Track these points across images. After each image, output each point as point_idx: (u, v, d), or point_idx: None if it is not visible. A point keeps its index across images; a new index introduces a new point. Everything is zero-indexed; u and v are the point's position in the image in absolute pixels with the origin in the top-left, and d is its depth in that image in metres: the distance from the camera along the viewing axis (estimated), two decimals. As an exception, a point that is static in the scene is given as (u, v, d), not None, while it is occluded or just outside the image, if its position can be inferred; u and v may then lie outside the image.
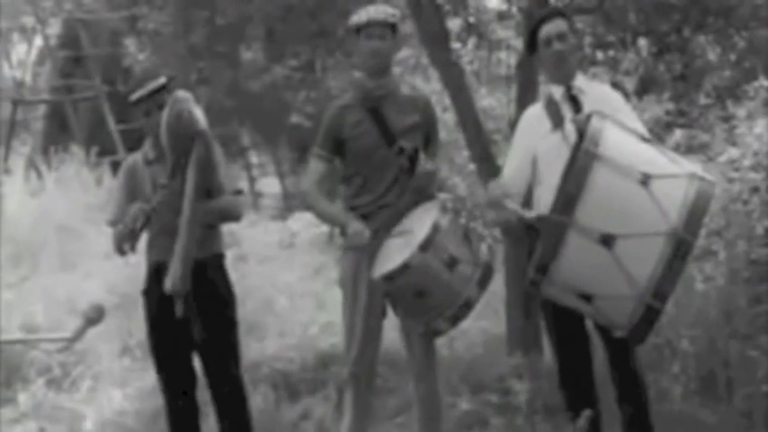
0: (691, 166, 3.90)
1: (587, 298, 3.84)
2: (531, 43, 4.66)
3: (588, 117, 3.96)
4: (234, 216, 4.92)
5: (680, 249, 3.67)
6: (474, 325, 7.19)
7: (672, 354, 6.12)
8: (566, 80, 4.60)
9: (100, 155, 14.58)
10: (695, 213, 3.71)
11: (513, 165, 4.64)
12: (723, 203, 6.79)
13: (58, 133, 17.59)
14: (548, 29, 4.58)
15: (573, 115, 4.48)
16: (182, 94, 4.62)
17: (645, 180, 3.72)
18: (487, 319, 7.41)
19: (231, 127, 14.29)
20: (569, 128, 4.41)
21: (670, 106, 9.33)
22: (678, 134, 8.73)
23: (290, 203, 14.67)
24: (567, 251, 3.70)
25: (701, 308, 6.33)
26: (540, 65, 4.77)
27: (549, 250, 3.72)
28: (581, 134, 4.03)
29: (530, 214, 4.15)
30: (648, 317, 3.76)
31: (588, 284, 3.81)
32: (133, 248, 4.70)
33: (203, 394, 4.96)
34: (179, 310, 4.57)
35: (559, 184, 4.12)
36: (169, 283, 4.53)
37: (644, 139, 3.99)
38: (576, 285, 3.82)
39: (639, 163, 3.76)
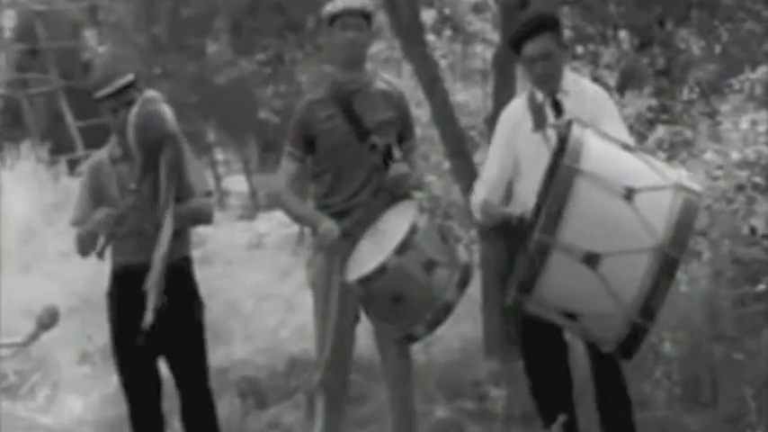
0: (676, 174, 3.89)
1: (572, 317, 3.85)
2: (515, 47, 4.60)
3: (569, 124, 3.95)
4: (205, 219, 4.92)
5: (667, 265, 3.68)
6: (450, 329, 7.18)
7: (655, 358, 6.14)
8: (550, 92, 4.58)
9: (56, 152, 14.49)
10: (682, 227, 3.71)
11: (495, 166, 4.63)
12: (707, 202, 6.83)
13: (12, 129, 17.47)
14: (531, 48, 4.49)
15: (554, 118, 4.48)
16: (152, 93, 4.61)
17: (629, 194, 3.72)
18: (464, 323, 7.42)
19: (196, 123, 14.25)
20: (550, 131, 4.41)
21: (652, 102, 9.37)
22: (661, 130, 8.78)
23: (258, 202, 14.65)
24: (550, 271, 3.70)
25: (685, 310, 6.37)
26: (522, 67, 4.76)
27: (531, 270, 3.72)
28: (561, 140, 4.04)
29: (515, 213, 4.19)
30: (636, 335, 3.78)
31: (573, 303, 3.82)
32: (101, 256, 4.69)
33: (168, 402, 4.94)
34: (149, 318, 4.55)
35: (539, 197, 4.14)
36: (152, 299, 4.52)
37: (626, 148, 3.98)
38: (561, 305, 3.84)
39: (622, 176, 3.76)
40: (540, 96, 4.56)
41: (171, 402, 4.94)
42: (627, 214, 3.70)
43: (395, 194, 4.66)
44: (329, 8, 4.72)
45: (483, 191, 4.60)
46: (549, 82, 4.53)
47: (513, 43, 4.57)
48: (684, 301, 6.42)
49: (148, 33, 12.73)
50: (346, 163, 4.70)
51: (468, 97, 10.66)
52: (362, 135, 4.70)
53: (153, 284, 4.53)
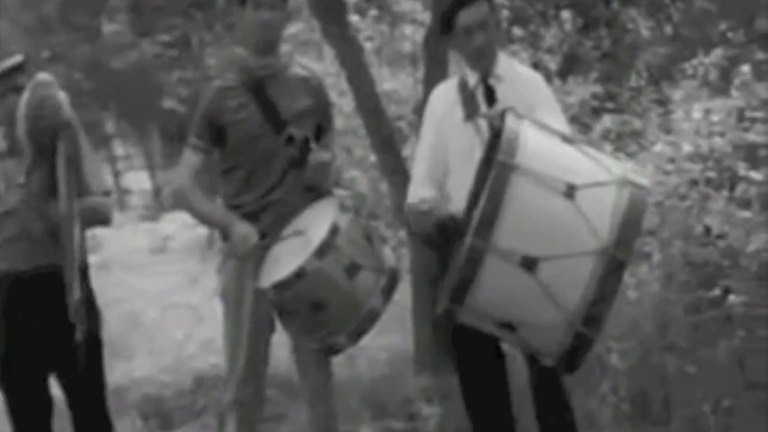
0: (621, 168, 3.92)
1: (510, 327, 3.87)
2: (446, 25, 4.64)
3: (502, 115, 3.97)
4: (103, 220, 4.87)
5: (612, 269, 3.70)
6: (376, 341, 7.21)
7: (600, 371, 6.21)
8: (485, 71, 4.60)
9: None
10: (628, 226, 3.73)
11: (424, 162, 4.63)
12: (658, 199, 6.91)
13: None
14: (467, 16, 4.52)
15: (487, 107, 4.50)
16: (44, 77, 4.56)
17: (569, 192, 3.73)
18: (392, 334, 7.45)
19: (92, 112, 14.12)
20: (482, 122, 4.43)
21: (598, 88, 9.47)
22: (607, 120, 8.86)
23: (162, 202, 14.56)
24: (485, 277, 3.70)
25: (633, 317, 6.44)
26: (455, 48, 4.78)
27: (464, 277, 3.73)
28: (494, 132, 4.06)
29: (446, 213, 4.23)
30: (580, 346, 3.79)
31: (511, 313, 3.83)
32: None
33: (59, 421, 4.90)
34: (80, 334, 4.51)
35: (471, 196, 4.16)
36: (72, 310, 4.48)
37: (567, 140, 4.00)
38: (497, 314, 3.84)
39: (563, 171, 3.77)
40: (471, 81, 4.59)
41: (62, 422, 4.90)
42: (568, 213, 3.71)
43: (314, 191, 4.66)
44: (237, -16, 4.72)
45: (417, 193, 4.57)
46: (484, 58, 4.57)
47: (446, 15, 4.59)
48: (633, 307, 6.49)
49: (36, 12, 12.59)
50: (260, 157, 4.69)
51: (396, 84, 10.69)
52: (278, 126, 4.69)
53: (73, 297, 4.48)
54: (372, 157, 8.74)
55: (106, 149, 16.31)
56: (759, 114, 7.28)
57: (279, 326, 4.66)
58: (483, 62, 4.58)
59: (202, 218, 4.94)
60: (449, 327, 4.43)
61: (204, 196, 4.76)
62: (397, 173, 7.09)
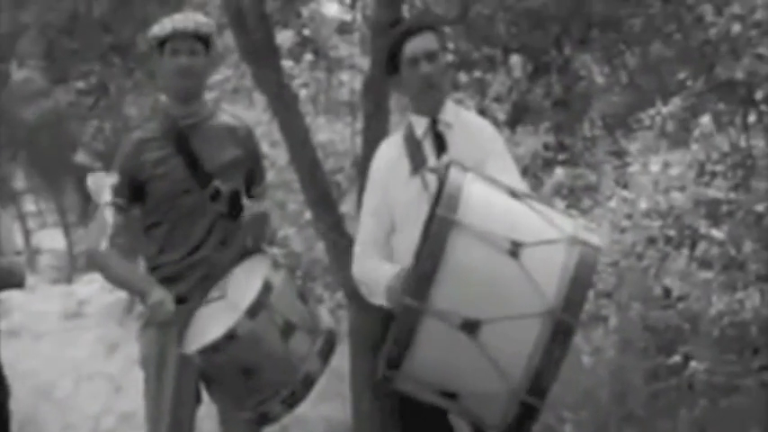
0: (572, 225, 3.96)
1: (451, 396, 3.88)
2: (392, 62, 4.66)
3: (447, 167, 3.98)
4: (15, 283, 4.86)
5: (559, 333, 3.71)
6: (313, 409, 7.22)
7: (554, 443, 6.24)
8: (433, 111, 4.59)
9: None
10: (576, 288, 3.75)
11: (369, 223, 4.63)
12: (614, 258, 6.99)
13: None
14: (414, 45, 4.54)
15: (436, 157, 4.52)
16: None
17: (514, 250, 3.74)
18: (329, 402, 7.44)
19: (0, 165, 14.05)
20: (430, 176, 4.44)
21: (549, 139, 9.56)
22: (559, 173, 8.94)
23: (77, 262, 14.46)
24: (422, 341, 3.71)
25: (589, 385, 6.48)
26: (400, 90, 4.77)
27: (401, 341, 3.73)
28: (439, 186, 4.07)
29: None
30: (525, 415, 3.80)
31: (451, 380, 3.84)
32: None
33: None
34: None
35: (415, 255, 4.16)
36: None
37: (514, 195, 4.03)
38: (437, 381, 3.85)
39: (508, 228, 3.79)
40: (419, 131, 4.61)
41: None
42: (512, 273, 3.73)
43: (246, 249, 4.68)
44: (157, 30, 4.71)
45: (382, 265, 4.55)
46: (432, 92, 4.58)
47: (393, 50, 4.60)
48: (588, 375, 6.53)
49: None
50: (183, 213, 4.69)
51: (333, 135, 10.74)
52: (202, 180, 4.70)
53: None
54: (308, 214, 8.76)
55: (15, 206, 16.17)
56: (720, 168, 7.38)
57: (205, 396, 4.66)
58: (431, 98, 4.57)
59: (117, 282, 4.90)
60: (392, 396, 4.42)
61: (121, 258, 4.73)
62: (335, 230, 7.13)
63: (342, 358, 6.10)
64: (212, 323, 4.34)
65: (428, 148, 4.57)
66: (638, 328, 6.84)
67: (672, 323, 6.80)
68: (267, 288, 4.28)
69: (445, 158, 4.24)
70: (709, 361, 6.38)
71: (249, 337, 4.23)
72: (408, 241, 4.38)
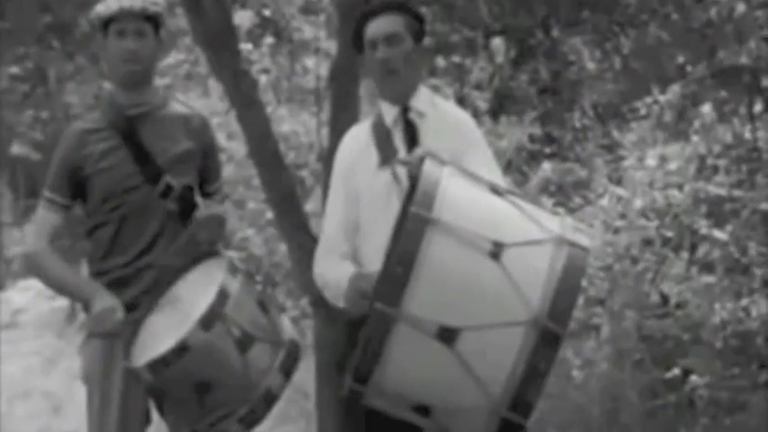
0: (558, 224, 3.96)
1: (425, 411, 3.88)
2: (357, 45, 4.67)
3: (421, 160, 3.98)
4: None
5: (545, 343, 3.70)
6: (274, 430, 7.22)
7: (540, 464, 6.26)
8: (398, 99, 4.62)
9: None
10: (564, 293, 3.75)
11: (334, 222, 4.64)
12: (607, 262, 7.01)
13: None
14: (373, 27, 4.57)
15: (406, 148, 4.52)
16: None
17: (496, 251, 3.74)
18: (292, 423, 7.45)
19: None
20: (401, 169, 4.44)
21: (535, 130, 9.59)
22: (547, 168, 8.97)
23: (11, 267, 14.42)
24: (394, 351, 3.70)
25: (578, 401, 6.50)
26: (368, 73, 4.81)
27: (370, 351, 3.72)
28: (412, 179, 4.08)
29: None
30: None
31: (425, 394, 3.84)
32: None
33: None
34: None
35: (386, 257, 4.17)
36: None
37: (496, 191, 4.04)
38: (410, 395, 3.85)
39: (489, 228, 3.79)
40: (388, 119, 4.62)
41: None
42: (493, 276, 3.73)
43: (198, 251, 4.67)
44: (101, 9, 4.70)
45: (341, 266, 4.56)
46: (393, 79, 4.58)
47: (357, 29, 4.62)
48: (578, 390, 6.56)
49: None
50: (131, 212, 4.68)
51: (297, 126, 10.75)
52: (152, 175, 4.70)
53: None
54: (269, 213, 8.76)
55: (-56, 204, 16.13)
56: (722, 162, 7.41)
57: (155, 415, 4.65)
58: (391, 85, 4.59)
59: (58, 287, 4.89)
60: (359, 413, 4.42)
61: (61, 261, 4.73)
62: (299, 231, 7.13)
63: (306, 373, 6.11)
64: (163, 334, 4.33)
65: (398, 138, 4.59)
66: (633, 338, 6.86)
67: (670, 333, 6.82)
68: (223, 295, 4.28)
69: (420, 150, 4.24)
70: (711, 375, 6.40)
71: (203, 349, 4.22)
72: (376, 241, 4.40)
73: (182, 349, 4.21)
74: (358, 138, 4.70)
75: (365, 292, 4.26)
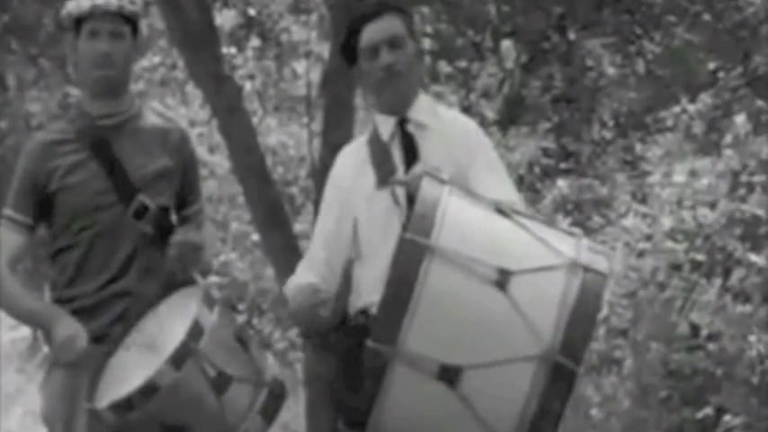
0: (572, 246, 3.93)
1: None
2: (350, 51, 4.66)
3: (419, 179, 3.96)
4: None
5: (557, 380, 3.69)
6: (259, 479, 7.18)
7: None
8: (398, 107, 4.59)
9: None
10: (578, 324, 3.74)
11: (323, 244, 4.63)
12: (629, 289, 7.00)
13: None
14: (373, 31, 4.54)
15: (404, 164, 4.50)
16: None
17: (502, 279, 3.72)
18: (279, 470, 7.42)
19: None
20: (400, 189, 4.42)
21: (550, 143, 9.58)
22: (563, 185, 8.96)
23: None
24: (392, 393, 3.69)
25: (600, 444, 6.50)
26: (361, 83, 4.79)
27: (366, 392, 3.71)
28: (412, 201, 4.05)
29: (355, 307, 4.23)
30: None
31: None
32: None
33: None
34: None
35: (386, 286, 4.16)
36: None
37: (502, 212, 4.01)
38: None
39: (495, 254, 3.77)
40: (385, 133, 4.60)
41: None
42: (499, 308, 3.71)
43: (173, 279, 4.66)
44: (71, 6, 4.69)
45: (304, 277, 4.57)
46: (396, 86, 4.56)
47: (349, 38, 4.61)
48: (597, 429, 6.55)
49: None
50: (101, 234, 4.66)
51: (285, 138, 10.76)
52: (125, 193, 4.68)
53: None
54: (254, 235, 8.76)
55: None
56: (758, 179, 7.39)
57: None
58: (394, 90, 4.55)
59: (17, 314, 4.88)
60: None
61: (21, 286, 4.72)
62: (288, 254, 7.11)
63: (295, 411, 6.09)
64: (130, 371, 4.33)
65: (397, 153, 4.56)
66: (659, 373, 6.85)
67: (700, 367, 6.81)
68: (196, 330, 4.26)
69: (419, 167, 4.22)
70: (746, 414, 6.39)
71: (173, 391, 4.21)
72: (377, 270, 4.36)
73: (149, 390, 4.19)
74: (354, 154, 4.68)
75: (312, 305, 4.32)
